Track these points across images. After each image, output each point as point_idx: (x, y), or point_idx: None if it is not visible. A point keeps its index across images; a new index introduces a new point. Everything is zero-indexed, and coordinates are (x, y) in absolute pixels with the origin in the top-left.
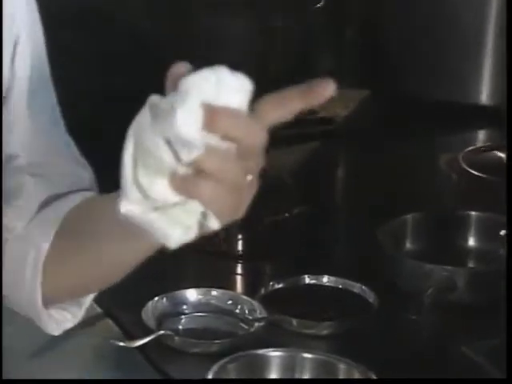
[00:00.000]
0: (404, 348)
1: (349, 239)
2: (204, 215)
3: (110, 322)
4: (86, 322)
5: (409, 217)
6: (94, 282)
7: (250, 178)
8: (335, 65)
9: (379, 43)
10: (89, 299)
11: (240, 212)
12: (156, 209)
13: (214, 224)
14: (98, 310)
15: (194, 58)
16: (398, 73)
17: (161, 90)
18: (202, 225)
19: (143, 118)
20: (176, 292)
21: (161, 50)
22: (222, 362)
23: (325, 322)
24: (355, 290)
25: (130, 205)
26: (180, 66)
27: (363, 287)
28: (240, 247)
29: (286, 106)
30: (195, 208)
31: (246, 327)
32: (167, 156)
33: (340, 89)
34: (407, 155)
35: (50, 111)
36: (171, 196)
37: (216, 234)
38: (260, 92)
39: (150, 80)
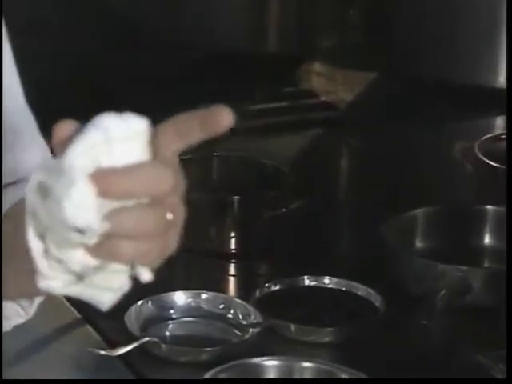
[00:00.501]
0: (413, 356)
1: (353, 236)
2: (133, 267)
3: (89, 328)
4: (63, 329)
5: (419, 212)
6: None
7: (170, 216)
8: (338, 44)
9: (387, 20)
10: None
11: (171, 249)
12: (78, 278)
13: (146, 275)
14: (77, 315)
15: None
16: (407, 53)
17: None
18: (133, 277)
19: (33, 196)
20: (162, 295)
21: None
22: (213, 371)
23: (326, 328)
24: (360, 293)
25: (47, 280)
26: (65, 128)
27: (368, 289)
28: (233, 245)
29: (186, 138)
30: (120, 267)
31: (239, 334)
32: (73, 235)
33: (344, 71)
34: (417, 144)
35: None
36: (91, 262)
37: (206, 231)
38: (260, 70)
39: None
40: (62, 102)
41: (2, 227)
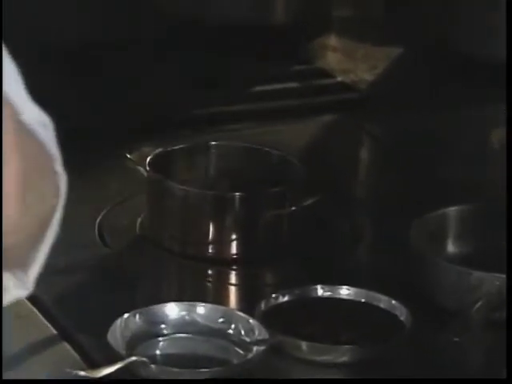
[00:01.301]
0: (444, 378)
1: (373, 239)
2: None
3: (66, 345)
4: (36, 347)
5: (450, 211)
6: None
7: None
8: (357, 14)
9: None
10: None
11: None
12: None
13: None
14: (52, 330)
15: None
16: (438, 25)
17: None
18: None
19: None
20: (152, 307)
21: None
22: None
23: (343, 346)
24: (382, 305)
25: None
26: None
27: (392, 301)
28: (234, 250)
29: None
30: None
31: (241, 352)
32: None
33: (364, 45)
34: (449, 131)
35: None
36: None
37: (203, 232)
38: (266, 46)
39: None
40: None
41: None
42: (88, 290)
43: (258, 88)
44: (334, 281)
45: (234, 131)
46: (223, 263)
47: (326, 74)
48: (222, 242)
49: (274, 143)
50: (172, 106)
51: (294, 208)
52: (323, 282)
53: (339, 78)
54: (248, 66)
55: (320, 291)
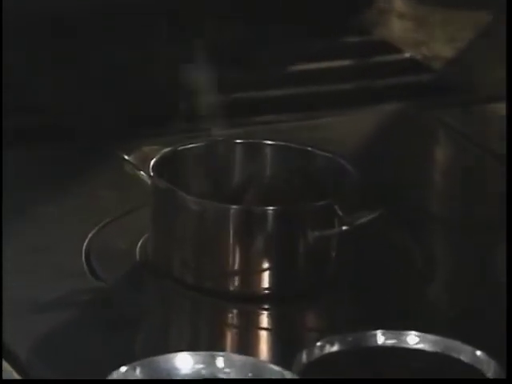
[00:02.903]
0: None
1: (451, 270)
2: None
3: None
4: None
5: None
6: None
7: None
8: None
9: None
10: None
11: None
12: None
13: None
14: (15, 376)
15: None
16: None
17: None
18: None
19: None
20: (157, 358)
21: None
22: None
23: None
24: (463, 358)
25: None
26: None
27: (477, 352)
28: (265, 283)
29: None
30: None
31: None
32: None
33: (442, 9)
34: None
35: None
36: None
37: (224, 260)
38: (310, 12)
39: None
40: None
41: None
42: (75, 335)
43: (299, 67)
44: (399, 325)
45: (264, 124)
46: (251, 300)
47: (388, 48)
48: (249, 272)
49: (318, 140)
50: (179, 91)
51: (344, 228)
52: (385, 327)
53: (407, 54)
54: (285, 38)
55: (380, 338)
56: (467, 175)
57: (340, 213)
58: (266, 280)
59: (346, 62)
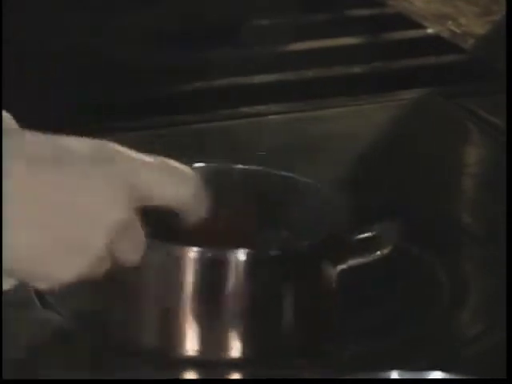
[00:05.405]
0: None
1: (486, 299)
2: None
3: None
4: None
5: None
6: None
7: None
8: None
9: None
10: None
11: None
12: None
13: None
14: None
15: None
16: None
17: None
18: None
19: None
20: None
21: None
22: None
23: None
24: None
25: None
26: None
27: None
28: (235, 347)
29: None
30: None
31: None
32: None
33: None
34: None
35: None
36: None
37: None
38: None
39: None
40: None
41: None
42: None
43: (298, 46)
44: (422, 365)
45: (253, 117)
46: (216, 367)
47: (407, 22)
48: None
49: (322, 135)
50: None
51: (377, 254)
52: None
53: (430, 30)
54: (276, 11)
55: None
56: (500, 177)
57: (332, 251)
58: (235, 343)
59: (354, 41)
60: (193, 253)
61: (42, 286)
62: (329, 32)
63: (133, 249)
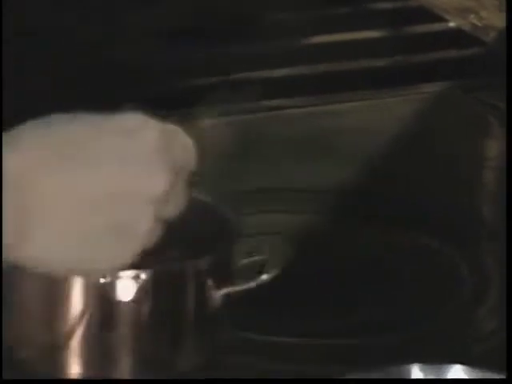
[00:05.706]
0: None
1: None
2: None
3: None
4: None
5: None
6: None
7: None
8: None
9: None
10: None
11: None
12: None
13: None
14: None
15: None
16: None
17: None
18: None
19: None
20: None
21: None
22: None
23: None
24: None
25: None
26: None
27: None
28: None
29: None
30: None
31: None
32: None
33: None
34: None
35: None
36: None
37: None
38: None
39: None
40: None
41: None
42: None
43: (314, 40)
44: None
45: (271, 110)
46: None
47: (428, 16)
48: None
49: (341, 130)
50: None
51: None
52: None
53: (451, 24)
54: (296, 4)
55: (417, 374)
56: None
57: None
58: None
59: (376, 34)
60: None
61: (94, 273)
62: (351, 25)
63: (176, 206)
